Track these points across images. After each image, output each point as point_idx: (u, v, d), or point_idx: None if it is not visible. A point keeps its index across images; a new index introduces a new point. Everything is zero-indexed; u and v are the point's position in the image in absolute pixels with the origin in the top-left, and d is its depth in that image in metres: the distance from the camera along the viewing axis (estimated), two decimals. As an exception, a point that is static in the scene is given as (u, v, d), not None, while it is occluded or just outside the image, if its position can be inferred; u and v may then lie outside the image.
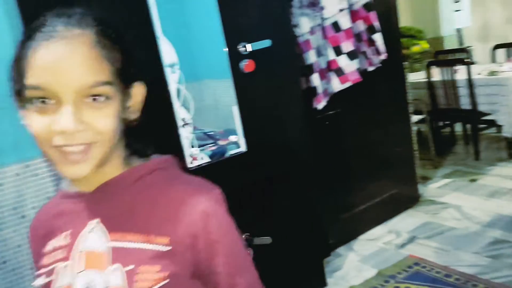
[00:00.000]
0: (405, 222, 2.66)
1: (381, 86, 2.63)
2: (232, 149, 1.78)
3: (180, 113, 1.62)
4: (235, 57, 1.74)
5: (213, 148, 1.78)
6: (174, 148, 1.62)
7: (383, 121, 2.65)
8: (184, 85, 1.64)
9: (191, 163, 1.65)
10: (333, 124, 2.42)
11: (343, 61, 2.38)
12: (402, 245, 2.39)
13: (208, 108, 1.95)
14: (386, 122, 2.66)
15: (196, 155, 1.66)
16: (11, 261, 1.60)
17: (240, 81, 1.76)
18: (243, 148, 1.78)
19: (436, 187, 3.09)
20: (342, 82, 2.40)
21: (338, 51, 2.38)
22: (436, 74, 3.53)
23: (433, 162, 3.51)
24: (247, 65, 1.75)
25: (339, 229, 2.42)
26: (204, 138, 1.84)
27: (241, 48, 1.74)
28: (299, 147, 1.96)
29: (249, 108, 1.79)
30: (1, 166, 1.55)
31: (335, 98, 2.39)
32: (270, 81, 1.85)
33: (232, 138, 1.76)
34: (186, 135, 1.64)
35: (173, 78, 1.60)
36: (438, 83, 3.52)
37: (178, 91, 1.62)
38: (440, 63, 3.61)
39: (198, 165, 1.67)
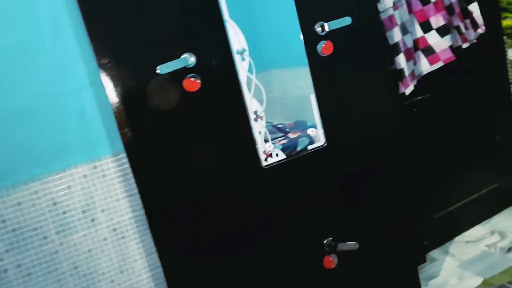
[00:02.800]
0: (509, 221, 2.31)
1: (478, 66, 2.28)
2: (304, 143, 1.58)
3: (252, 105, 1.45)
4: (311, 39, 1.53)
5: (284, 141, 1.60)
6: (246, 144, 1.45)
7: (480, 106, 2.30)
8: (254, 74, 1.46)
9: (265, 160, 1.48)
10: (421, 111, 2.13)
11: (433, 38, 2.08)
12: (510, 249, 2.06)
13: (276, 100, 1.77)
14: (484, 107, 2.32)
15: (271, 151, 1.48)
16: (82, 267, 1.54)
17: (318, 66, 1.55)
18: (321, 142, 1.57)
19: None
20: (432, 62, 2.10)
21: (426, 27, 2.08)
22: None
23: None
24: (324, 47, 1.54)
25: (432, 229, 2.13)
26: (273, 132, 1.66)
27: (317, 29, 1.53)
28: (389, 140, 1.71)
29: (329, 97, 1.57)
30: (68, 168, 1.48)
31: (424, 81, 2.09)
32: (352, 65, 1.62)
33: (310, 131, 1.56)
34: (259, 129, 1.46)
35: (242, 66, 1.43)
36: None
37: (249, 81, 1.45)
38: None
39: (273, 163, 1.49)
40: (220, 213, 1.44)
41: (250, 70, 1.45)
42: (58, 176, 1.47)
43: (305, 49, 1.53)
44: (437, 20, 2.05)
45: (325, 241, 1.59)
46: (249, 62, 1.45)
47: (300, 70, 1.58)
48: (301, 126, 1.67)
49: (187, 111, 1.37)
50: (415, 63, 2.07)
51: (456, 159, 2.24)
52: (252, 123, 1.45)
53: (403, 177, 1.76)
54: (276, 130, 1.70)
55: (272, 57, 1.68)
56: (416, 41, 2.07)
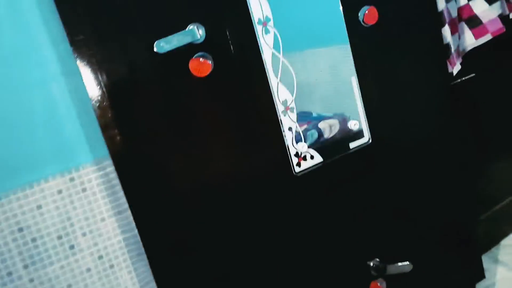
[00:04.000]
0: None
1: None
2: (313, 136, 1.22)
3: (280, 93, 1.09)
4: (350, 3, 1.18)
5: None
6: (273, 145, 1.10)
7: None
8: (282, 52, 1.10)
9: (297, 166, 1.13)
10: (465, 93, 1.79)
11: (479, 6, 1.73)
12: None
13: (310, 85, 1.40)
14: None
15: (304, 153, 1.13)
16: (61, 308, 1.18)
17: (359, 39, 1.19)
18: (365, 138, 1.22)
19: None
20: (478, 36, 1.74)
21: (471, -7, 1.73)
22: None
23: None
24: (367, 14, 1.18)
25: (477, 233, 1.81)
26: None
27: (359, -10, 1.17)
28: (442, 133, 1.37)
29: (374, 79, 1.22)
30: (37, 182, 1.11)
31: (468, 58, 1.75)
32: (400, 39, 1.27)
33: (352, 124, 1.21)
34: (289, 124, 1.11)
35: (266, 41, 1.07)
36: None
37: (274, 61, 1.08)
38: None
39: (308, 169, 1.14)
40: (239, 236, 1.09)
41: (276, 47, 1.09)
42: (24, 193, 1.11)
43: (344, 20, 1.17)
44: (484, -16, 1.70)
45: (371, 263, 1.26)
46: (275, 34, 1.08)
47: (335, 49, 1.22)
48: (306, 117, 1.31)
49: (195, 102, 1.01)
50: (459, 37, 1.73)
51: (505, 151, 1.92)
52: (281, 116, 1.09)
53: (455, 176, 1.43)
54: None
55: (302, 30, 1.31)
56: (460, 10, 1.72)
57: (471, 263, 1.48)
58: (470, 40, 1.74)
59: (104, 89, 0.93)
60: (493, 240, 1.92)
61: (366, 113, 1.21)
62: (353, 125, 1.21)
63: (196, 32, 0.97)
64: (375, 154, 1.23)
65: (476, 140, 1.85)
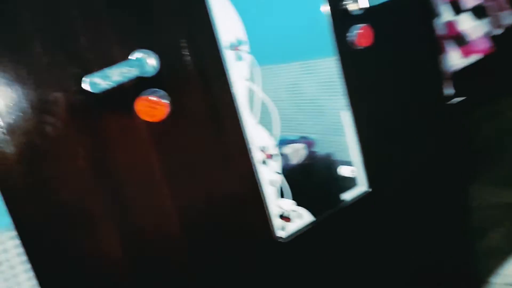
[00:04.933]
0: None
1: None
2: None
3: (257, 137, 0.84)
4: (340, 22, 0.95)
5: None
6: (249, 206, 0.84)
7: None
8: (260, 82, 0.85)
9: (281, 230, 0.87)
10: (455, 119, 1.61)
11: (466, 23, 1.57)
12: None
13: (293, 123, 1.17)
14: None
15: (291, 213, 0.88)
16: None
17: (350, 64, 0.96)
18: (363, 186, 0.99)
19: None
20: (466, 54, 1.59)
21: (457, 8, 1.56)
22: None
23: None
24: (361, 34, 0.96)
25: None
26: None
27: (350, 5, 0.95)
28: (447, 166, 1.17)
29: (369, 113, 1.00)
30: None
31: (456, 80, 1.58)
32: (399, 63, 1.06)
33: (345, 170, 0.97)
34: (270, 177, 0.86)
35: (239, 69, 0.82)
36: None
37: (251, 95, 0.84)
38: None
39: (294, 232, 0.89)
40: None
41: (252, 76, 0.84)
42: None
43: (334, 37, 0.94)
44: (470, -2, 1.55)
45: None
46: (251, 61, 0.83)
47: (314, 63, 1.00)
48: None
49: (144, 156, 0.74)
50: (446, 56, 1.55)
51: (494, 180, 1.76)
52: (258, 167, 0.84)
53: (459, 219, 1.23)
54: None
55: (284, 56, 1.07)
56: (446, 26, 1.55)
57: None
58: (457, 59, 1.58)
59: (13, 143, 0.64)
60: (484, 277, 1.74)
61: (363, 153, 0.98)
62: (347, 171, 0.97)
63: (145, 62, 0.71)
64: (376, 205, 1.01)
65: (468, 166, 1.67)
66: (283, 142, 1.03)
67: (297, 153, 1.03)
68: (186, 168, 0.76)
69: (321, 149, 1.06)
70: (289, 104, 1.12)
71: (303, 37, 1.02)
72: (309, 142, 1.07)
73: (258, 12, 0.95)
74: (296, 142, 1.07)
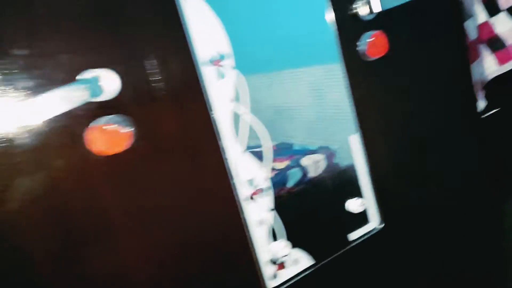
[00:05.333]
0: None
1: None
2: (295, 176, 0.83)
3: (244, 169, 0.70)
4: (347, 28, 0.80)
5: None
6: (237, 251, 0.71)
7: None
8: (248, 103, 0.71)
9: (273, 278, 0.73)
10: (491, 131, 1.43)
11: (503, 25, 1.38)
12: None
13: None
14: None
15: (283, 259, 0.74)
16: None
17: (360, 79, 0.82)
18: (374, 222, 0.84)
19: None
20: (502, 60, 1.40)
21: (492, 8, 1.38)
22: None
23: None
24: (373, 44, 0.80)
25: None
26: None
27: (360, 8, 0.80)
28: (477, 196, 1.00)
29: (384, 138, 0.85)
30: None
31: (491, 89, 1.39)
32: (422, 72, 0.90)
33: (353, 205, 0.82)
34: (258, 217, 0.72)
35: (221, 88, 0.68)
36: None
37: (236, 121, 0.70)
38: None
39: (289, 280, 0.75)
40: None
41: (236, 97, 0.70)
42: None
43: (339, 46, 0.79)
44: (508, -3, 1.36)
45: None
46: (235, 79, 0.70)
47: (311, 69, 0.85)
48: (287, 150, 0.92)
49: (97, 199, 0.61)
50: (480, 62, 1.37)
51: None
52: (244, 206, 0.70)
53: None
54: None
55: (277, 74, 0.93)
56: (479, 29, 1.37)
57: None
58: (492, 66, 1.39)
59: None
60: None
61: (375, 186, 0.83)
62: (356, 206, 0.82)
63: (99, 81, 0.58)
64: (391, 245, 0.85)
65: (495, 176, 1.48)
66: (300, 152, 0.89)
67: (315, 165, 0.88)
68: (152, 212, 0.63)
69: (342, 161, 0.90)
70: (311, 110, 0.97)
71: (323, 39, 0.88)
72: (329, 153, 0.92)
73: (277, 14, 0.81)
74: (315, 153, 0.92)
